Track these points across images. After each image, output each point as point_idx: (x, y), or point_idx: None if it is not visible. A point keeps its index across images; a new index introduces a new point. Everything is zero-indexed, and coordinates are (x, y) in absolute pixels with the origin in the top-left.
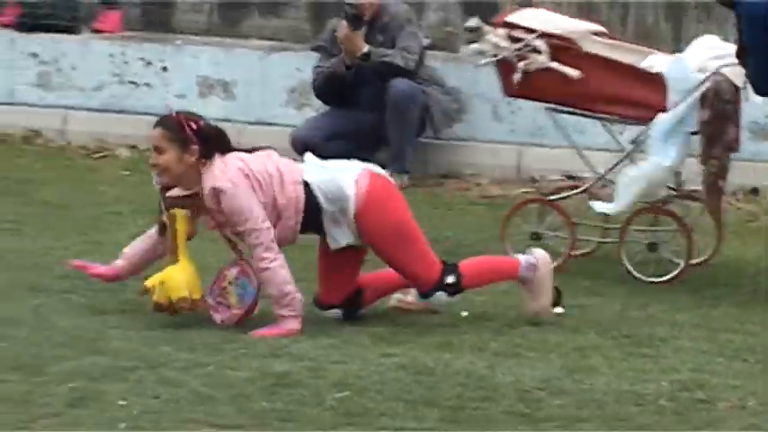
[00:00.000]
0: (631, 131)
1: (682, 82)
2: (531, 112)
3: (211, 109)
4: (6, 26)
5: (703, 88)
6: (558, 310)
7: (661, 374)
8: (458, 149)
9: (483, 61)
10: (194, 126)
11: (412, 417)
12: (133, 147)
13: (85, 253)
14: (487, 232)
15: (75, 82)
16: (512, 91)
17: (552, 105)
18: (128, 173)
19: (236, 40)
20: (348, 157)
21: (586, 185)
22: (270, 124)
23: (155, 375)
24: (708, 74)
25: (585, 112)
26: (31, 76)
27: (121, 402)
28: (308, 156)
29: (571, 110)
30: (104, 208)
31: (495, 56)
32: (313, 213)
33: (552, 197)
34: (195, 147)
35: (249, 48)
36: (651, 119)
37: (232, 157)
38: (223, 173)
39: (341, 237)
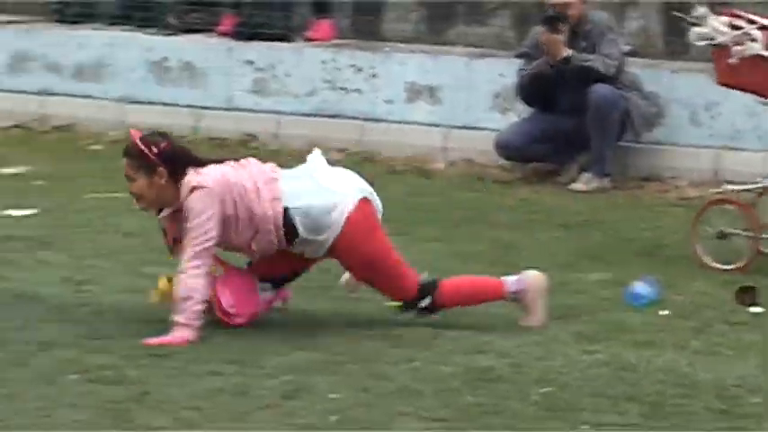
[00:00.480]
0: None
1: None
2: (729, 116)
3: (418, 114)
4: (224, 35)
5: None
6: (757, 309)
7: None
8: (657, 153)
9: (701, 43)
10: (156, 150)
11: (614, 412)
12: (342, 149)
13: None
14: (684, 233)
15: (290, 88)
16: (723, 78)
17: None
18: None
19: (442, 47)
20: (550, 160)
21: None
22: (474, 128)
23: (364, 370)
24: None
25: None
26: (247, 83)
27: (332, 395)
28: (312, 157)
29: None
30: None
31: (712, 39)
32: (289, 233)
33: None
34: (162, 169)
35: (455, 54)
36: None
37: (208, 168)
38: (198, 176)
39: (306, 253)
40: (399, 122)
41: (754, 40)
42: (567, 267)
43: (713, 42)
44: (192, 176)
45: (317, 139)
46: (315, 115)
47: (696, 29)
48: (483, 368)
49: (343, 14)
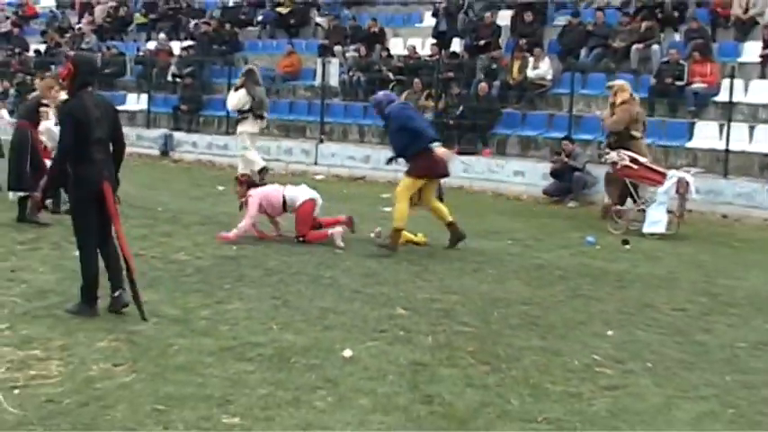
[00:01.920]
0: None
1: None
2: None
3: None
4: None
5: (675, 180)
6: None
7: None
8: None
9: (608, 161)
10: (243, 179)
11: None
12: None
13: None
14: None
15: None
16: (616, 174)
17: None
18: None
19: None
20: None
21: None
22: None
23: None
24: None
25: None
26: None
27: None
28: (303, 186)
29: None
30: None
31: (611, 160)
32: (284, 207)
33: None
34: (244, 186)
35: None
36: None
37: (257, 189)
38: (252, 193)
39: (289, 211)
40: None
41: (623, 159)
42: None
43: (611, 161)
44: (251, 191)
45: None
46: None
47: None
48: None
49: None
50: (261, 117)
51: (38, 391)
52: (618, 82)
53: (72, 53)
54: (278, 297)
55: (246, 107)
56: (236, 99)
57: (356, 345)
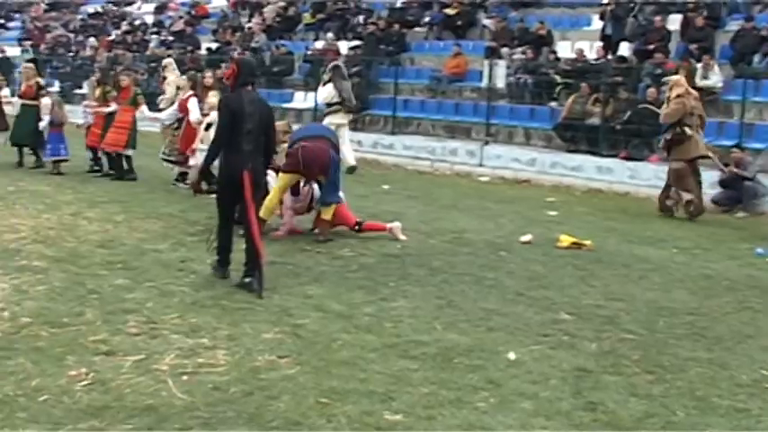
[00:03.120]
0: None
1: None
2: None
3: None
4: None
5: None
6: None
7: None
8: None
9: None
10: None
11: None
12: None
13: None
14: None
15: None
16: None
17: None
18: None
19: None
20: None
21: None
22: None
23: None
24: None
25: None
26: None
27: None
28: None
29: None
30: None
31: None
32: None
33: None
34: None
35: None
36: None
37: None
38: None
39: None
40: None
41: None
42: None
43: None
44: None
45: None
46: None
47: None
48: None
49: None
50: (350, 110)
51: (205, 379)
52: (674, 77)
53: (236, 56)
54: (442, 297)
55: (335, 100)
56: (326, 93)
57: (519, 348)
